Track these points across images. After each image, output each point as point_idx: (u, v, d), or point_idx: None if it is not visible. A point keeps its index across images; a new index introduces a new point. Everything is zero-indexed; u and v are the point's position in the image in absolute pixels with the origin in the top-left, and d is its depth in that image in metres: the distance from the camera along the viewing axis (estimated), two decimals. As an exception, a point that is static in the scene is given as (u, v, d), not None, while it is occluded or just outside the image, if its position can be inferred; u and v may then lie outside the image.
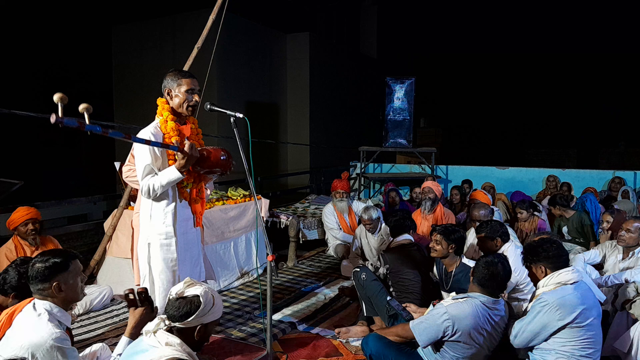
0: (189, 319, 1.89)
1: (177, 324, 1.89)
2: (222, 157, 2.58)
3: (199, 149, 2.53)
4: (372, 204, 6.64)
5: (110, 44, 13.17)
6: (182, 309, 1.89)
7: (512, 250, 3.50)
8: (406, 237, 3.91)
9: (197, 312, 1.89)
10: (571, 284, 2.45)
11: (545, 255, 2.52)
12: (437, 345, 2.60)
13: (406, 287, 3.50)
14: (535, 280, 2.61)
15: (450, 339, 2.50)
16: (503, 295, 3.46)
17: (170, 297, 1.95)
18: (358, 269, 3.54)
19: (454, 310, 2.50)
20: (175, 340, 1.87)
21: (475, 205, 4.61)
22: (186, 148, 2.42)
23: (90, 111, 1.99)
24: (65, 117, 1.86)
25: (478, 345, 2.51)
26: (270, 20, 13.37)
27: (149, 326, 1.94)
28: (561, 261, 2.51)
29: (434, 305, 2.71)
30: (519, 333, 2.47)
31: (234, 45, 11.67)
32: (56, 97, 1.86)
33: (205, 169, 2.59)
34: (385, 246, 4.37)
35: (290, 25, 13.87)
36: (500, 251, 3.59)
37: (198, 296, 1.91)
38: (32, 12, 12.73)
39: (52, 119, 1.85)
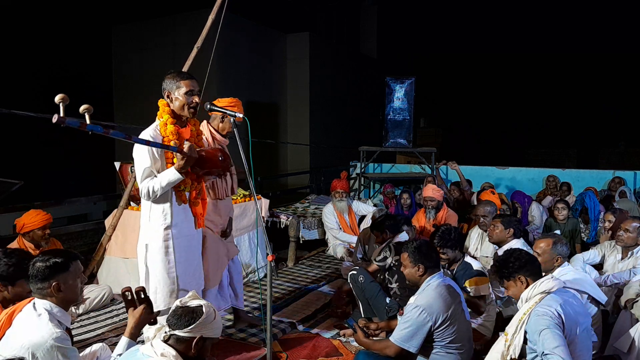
0: (189, 328, 1.87)
1: (176, 332, 1.88)
2: (220, 158, 2.59)
3: (197, 149, 2.53)
4: (372, 204, 6.65)
5: (110, 44, 13.17)
6: (183, 317, 1.89)
7: (519, 247, 3.55)
8: (404, 236, 3.93)
9: (198, 322, 1.88)
10: (554, 292, 2.35)
11: (520, 264, 2.40)
12: (426, 347, 2.61)
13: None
14: (516, 294, 2.45)
15: (437, 329, 2.55)
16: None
17: (174, 307, 1.96)
18: (355, 272, 3.55)
19: (423, 300, 2.59)
20: (171, 351, 1.85)
21: (481, 202, 4.64)
22: (185, 149, 2.42)
23: (90, 112, 2.01)
24: (67, 117, 1.89)
25: (458, 317, 2.60)
26: (270, 20, 13.36)
27: (149, 332, 1.94)
28: (536, 266, 2.42)
29: (400, 314, 2.76)
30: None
31: (234, 45, 11.67)
32: (57, 97, 1.89)
33: (204, 170, 2.60)
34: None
35: (290, 25, 13.87)
36: (508, 245, 3.65)
37: (201, 306, 1.93)
38: (32, 12, 12.73)
39: (54, 119, 1.88)
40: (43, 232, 3.65)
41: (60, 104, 1.89)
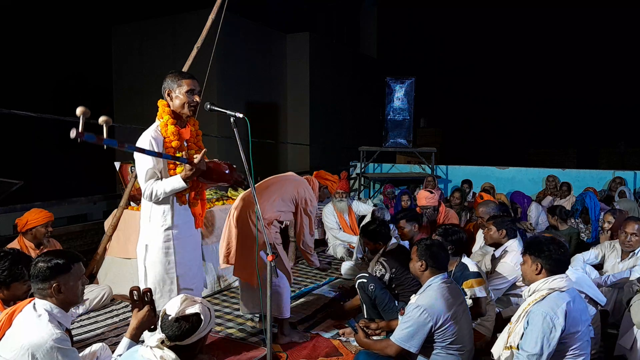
0: (191, 337, 1.87)
1: (177, 343, 1.88)
2: (225, 172, 2.59)
3: (206, 161, 2.54)
4: (372, 204, 6.65)
5: (110, 44, 13.18)
6: (182, 329, 1.87)
7: (516, 246, 3.58)
8: (394, 241, 3.94)
9: (199, 329, 1.89)
10: (563, 291, 2.36)
11: (548, 254, 2.40)
12: (426, 347, 2.61)
13: (410, 286, 3.50)
14: (525, 272, 2.53)
15: (438, 329, 2.55)
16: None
17: (169, 317, 1.90)
18: (365, 280, 3.49)
19: (424, 301, 2.59)
20: (170, 354, 1.85)
21: (482, 202, 4.64)
22: (195, 161, 2.43)
23: (109, 124, 1.91)
24: (86, 132, 1.79)
25: (459, 318, 2.60)
26: (270, 20, 13.38)
27: (150, 342, 1.92)
28: (559, 267, 2.42)
29: (401, 314, 2.75)
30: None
31: (234, 45, 11.67)
32: (79, 110, 1.77)
33: (207, 181, 2.61)
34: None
35: (290, 25, 13.88)
36: (505, 246, 3.67)
37: (198, 314, 1.90)
38: (32, 12, 12.73)
39: (72, 133, 1.77)
40: (46, 230, 3.65)
41: (81, 117, 1.77)
